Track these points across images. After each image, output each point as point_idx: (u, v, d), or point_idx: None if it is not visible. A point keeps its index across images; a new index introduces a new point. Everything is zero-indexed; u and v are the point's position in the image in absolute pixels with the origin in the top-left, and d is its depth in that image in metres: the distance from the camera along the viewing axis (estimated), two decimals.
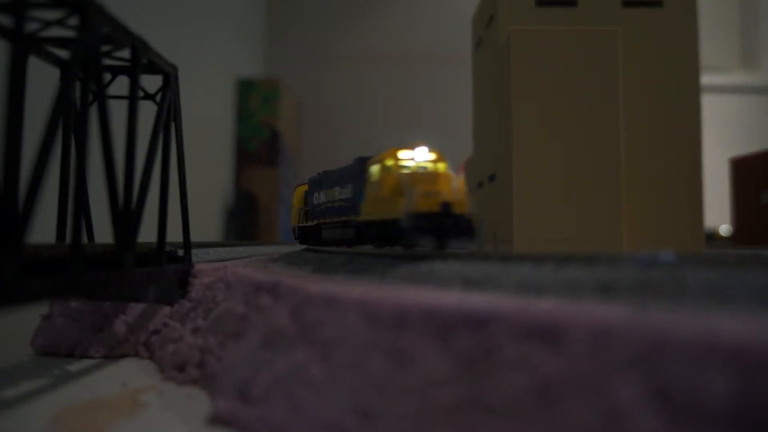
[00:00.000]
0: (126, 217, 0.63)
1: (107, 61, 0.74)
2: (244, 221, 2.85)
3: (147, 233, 0.75)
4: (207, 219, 2.50)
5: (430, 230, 0.77)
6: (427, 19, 3.57)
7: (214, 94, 2.63)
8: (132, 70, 0.68)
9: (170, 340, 0.72)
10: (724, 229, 2.74)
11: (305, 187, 1.39)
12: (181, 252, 0.87)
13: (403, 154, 0.90)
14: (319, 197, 1.21)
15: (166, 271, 0.78)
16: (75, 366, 0.71)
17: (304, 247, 1.34)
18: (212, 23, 2.62)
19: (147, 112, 0.75)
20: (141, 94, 0.72)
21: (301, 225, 1.37)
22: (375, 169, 0.92)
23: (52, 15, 0.57)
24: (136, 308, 0.82)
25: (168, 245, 0.81)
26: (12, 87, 0.43)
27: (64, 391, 0.60)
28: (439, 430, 0.36)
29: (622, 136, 1.28)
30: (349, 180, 1.03)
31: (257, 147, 2.90)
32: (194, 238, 0.92)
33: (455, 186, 0.85)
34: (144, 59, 0.70)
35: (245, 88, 2.93)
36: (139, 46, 0.67)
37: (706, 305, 0.37)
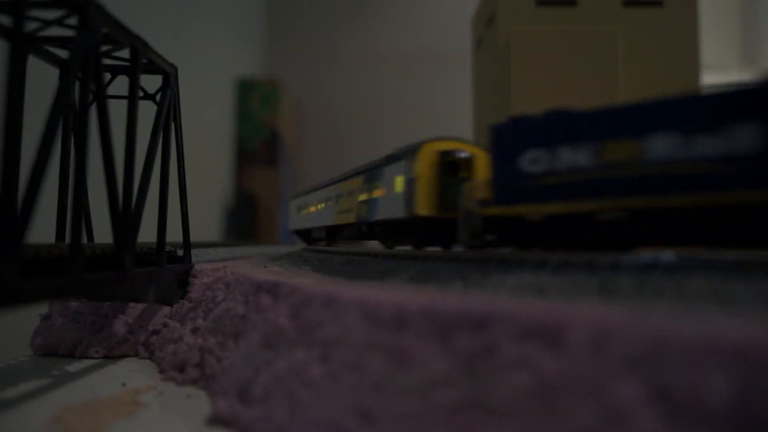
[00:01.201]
0: (125, 217, 0.63)
1: (107, 61, 0.74)
2: (244, 221, 2.85)
3: (147, 233, 0.75)
4: (207, 219, 2.49)
5: None
6: (427, 19, 3.56)
7: (214, 94, 2.62)
8: (132, 70, 0.67)
9: (170, 340, 0.72)
10: None
11: (450, 145, 0.83)
12: (180, 252, 0.87)
13: None
14: (565, 158, 0.66)
15: (166, 272, 0.78)
16: (75, 366, 0.71)
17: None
18: (212, 23, 2.62)
19: (147, 112, 0.74)
20: (141, 94, 0.72)
21: (488, 214, 0.72)
22: None
23: (51, 14, 0.57)
24: (135, 308, 0.82)
25: (168, 245, 0.81)
26: (11, 87, 0.43)
27: (64, 391, 0.60)
28: (439, 431, 0.36)
29: None
30: None
31: (257, 147, 2.90)
32: (194, 238, 0.92)
33: None
34: (144, 59, 0.70)
35: (245, 88, 2.93)
36: (138, 45, 0.67)
37: (706, 306, 0.37)
